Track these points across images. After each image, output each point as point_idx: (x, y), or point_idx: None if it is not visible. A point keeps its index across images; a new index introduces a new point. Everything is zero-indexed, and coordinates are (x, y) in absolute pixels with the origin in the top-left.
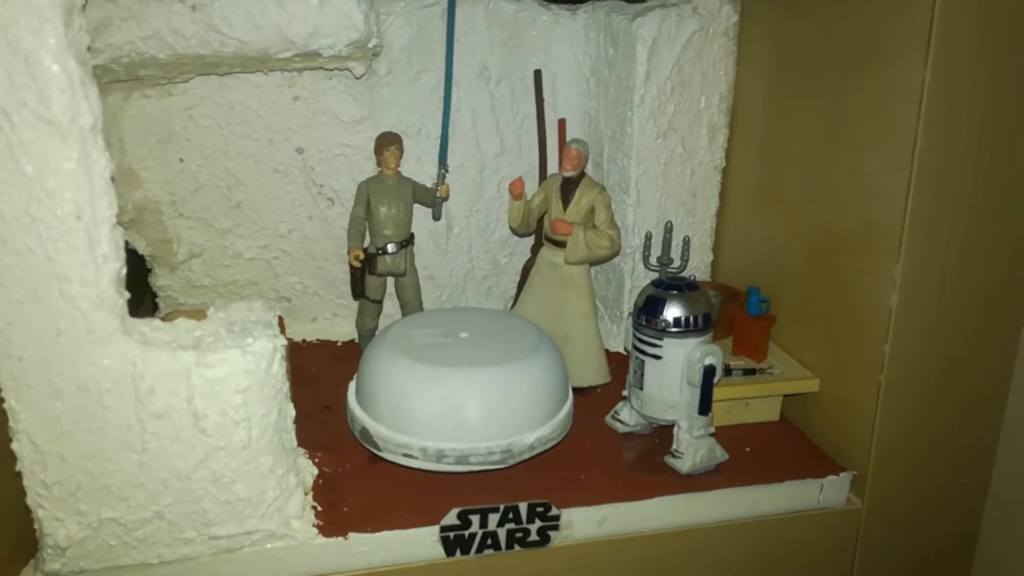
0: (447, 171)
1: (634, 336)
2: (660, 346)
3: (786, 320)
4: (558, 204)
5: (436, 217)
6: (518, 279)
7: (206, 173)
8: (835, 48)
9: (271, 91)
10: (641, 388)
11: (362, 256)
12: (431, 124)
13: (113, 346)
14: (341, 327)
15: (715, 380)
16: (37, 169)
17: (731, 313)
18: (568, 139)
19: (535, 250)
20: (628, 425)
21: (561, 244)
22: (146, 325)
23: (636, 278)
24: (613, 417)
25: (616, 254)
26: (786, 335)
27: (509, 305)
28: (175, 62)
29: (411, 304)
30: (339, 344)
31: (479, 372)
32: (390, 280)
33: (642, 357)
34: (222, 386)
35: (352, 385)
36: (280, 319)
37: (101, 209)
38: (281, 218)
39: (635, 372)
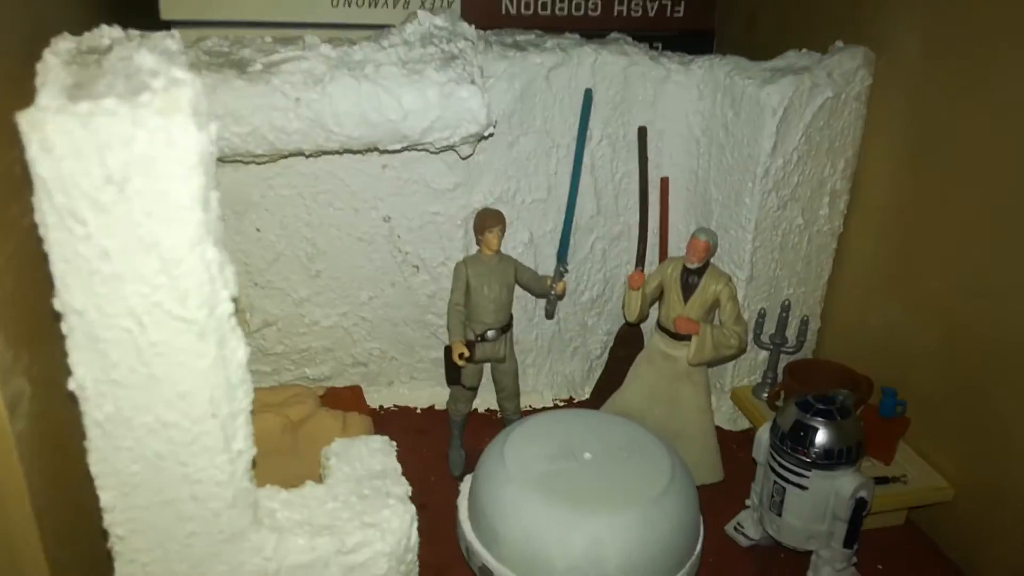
0: (567, 271)
1: (772, 457)
2: (807, 476)
3: (912, 417)
4: (678, 295)
5: (549, 315)
6: (609, 344)
7: (284, 243)
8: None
9: (359, 160)
10: (779, 515)
11: (467, 353)
12: (526, 189)
13: (246, 541)
14: (420, 391)
15: (865, 513)
16: (169, 371)
17: (863, 415)
18: (696, 232)
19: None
20: (752, 539)
21: (680, 337)
22: (273, 500)
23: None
24: (736, 529)
25: (743, 353)
26: (916, 434)
27: (594, 370)
28: (273, 155)
29: (508, 390)
30: (418, 412)
31: (621, 517)
32: (486, 364)
33: (783, 484)
34: (362, 571)
35: (463, 503)
36: (359, 390)
37: (238, 400)
38: (362, 286)
39: (772, 497)
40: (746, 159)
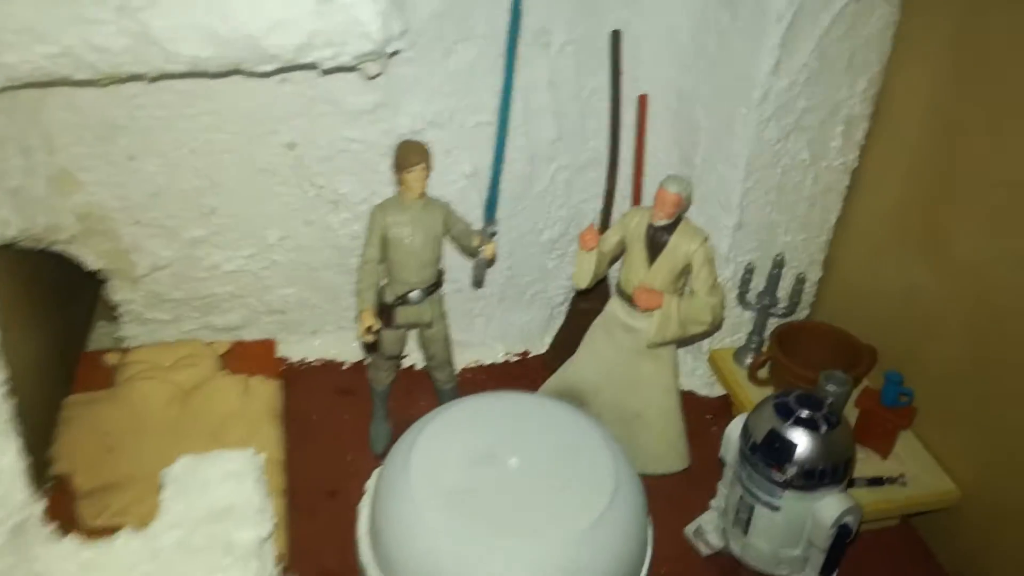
0: (496, 231)
1: (741, 467)
2: (780, 497)
3: (922, 401)
4: (642, 256)
5: (476, 283)
6: (571, 289)
7: (166, 173)
8: None
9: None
10: (745, 533)
11: (376, 326)
12: (467, 110)
13: None
14: (348, 343)
15: (849, 540)
16: None
17: (860, 401)
18: (665, 182)
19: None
20: (714, 548)
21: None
22: (71, 561)
23: (726, 311)
24: (696, 535)
25: (717, 329)
26: (922, 420)
27: (555, 319)
28: (104, 79)
29: (437, 358)
30: (344, 367)
31: (545, 548)
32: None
33: (751, 501)
34: None
35: (363, 511)
36: (270, 345)
37: None
38: (269, 225)
39: (738, 513)
40: (741, 79)
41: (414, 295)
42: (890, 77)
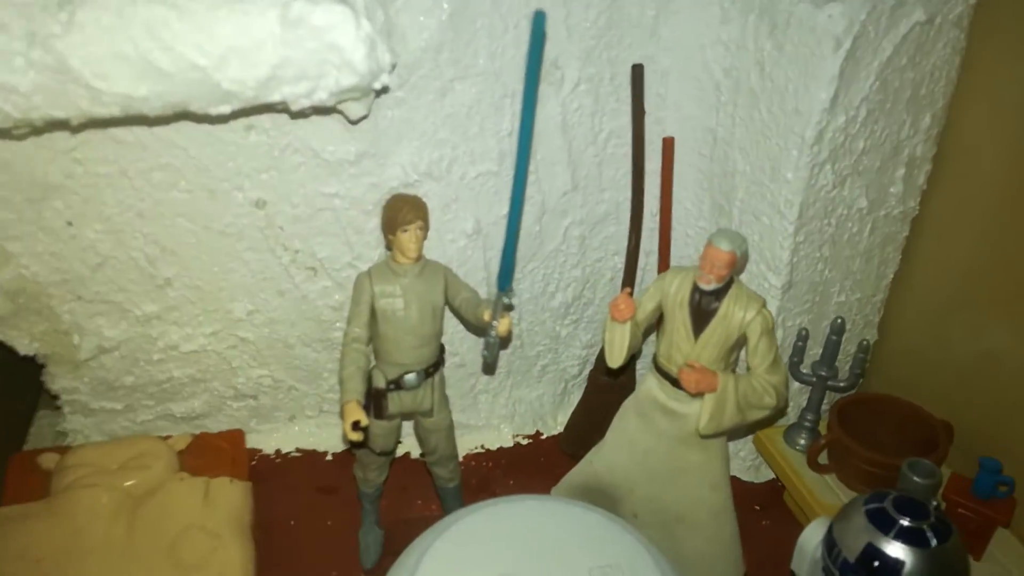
0: (512, 304)
1: None
2: None
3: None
4: (685, 327)
5: (488, 366)
6: (588, 358)
7: (111, 240)
8: None
9: (208, 121)
10: None
11: (364, 422)
12: (467, 158)
13: None
14: (331, 430)
15: None
16: None
17: (948, 492)
18: (714, 238)
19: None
20: None
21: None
22: None
23: None
24: None
25: (781, 415)
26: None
27: (570, 393)
28: (18, 126)
29: (439, 451)
30: (328, 458)
31: None
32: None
33: None
34: None
35: None
36: (238, 436)
37: None
38: (235, 296)
39: None
40: (791, 115)
41: (410, 378)
42: (956, 113)
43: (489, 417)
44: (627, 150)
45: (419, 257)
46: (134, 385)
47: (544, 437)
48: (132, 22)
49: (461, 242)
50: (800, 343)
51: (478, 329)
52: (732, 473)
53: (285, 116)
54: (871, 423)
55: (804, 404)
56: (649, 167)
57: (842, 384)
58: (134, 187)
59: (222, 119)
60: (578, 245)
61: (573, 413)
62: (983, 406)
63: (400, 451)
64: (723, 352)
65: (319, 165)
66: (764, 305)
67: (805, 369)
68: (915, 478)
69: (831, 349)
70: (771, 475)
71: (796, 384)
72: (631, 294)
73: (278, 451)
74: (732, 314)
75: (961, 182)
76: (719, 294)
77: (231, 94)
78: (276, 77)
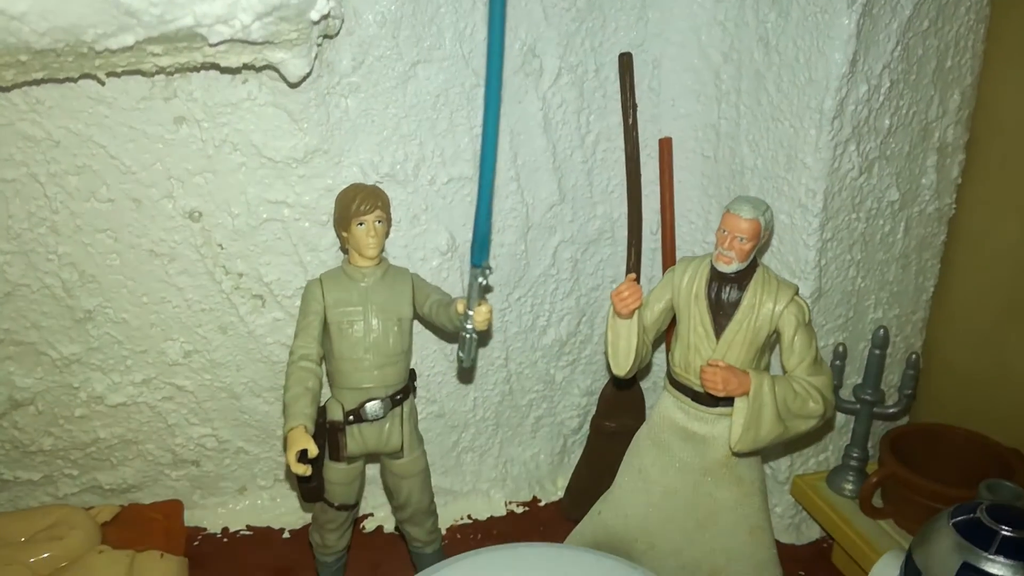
0: (488, 279)
1: None
2: None
3: None
4: (704, 324)
5: (465, 364)
6: (591, 412)
7: (20, 265)
8: None
9: (129, 109)
10: None
11: (313, 451)
12: (435, 158)
13: None
14: (288, 502)
15: None
16: None
17: None
18: (732, 205)
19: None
20: None
21: (710, 399)
22: None
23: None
24: None
25: (828, 425)
26: None
27: (570, 452)
28: None
29: (412, 505)
30: (286, 535)
31: None
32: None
33: None
34: None
35: None
36: (176, 507)
37: None
38: (170, 333)
39: None
40: (804, 88)
41: (373, 407)
42: (986, 92)
43: (476, 481)
44: (619, 155)
45: (380, 259)
46: (54, 449)
47: (543, 504)
48: None
49: (434, 261)
50: (838, 362)
51: (453, 329)
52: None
53: (222, 99)
54: (927, 457)
55: (847, 440)
56: (647, 173)
57: (891, 409)
58: (47, 195)
59: (121, 53)
60: (570, 269)
61: (576, 470)
62: None
63: (372, 524)
64: (752, 353)
65: (262, 165)
66: (798, 292)
67: (846, 395)
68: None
69: (875, 366)
70: (815, 535)
71: (837, 418)
72: (636, 281)
73: (225, 529)
74: (760, 304)
75: (998, 173)
76: (742, 281)
77: (132, 14)
78: None
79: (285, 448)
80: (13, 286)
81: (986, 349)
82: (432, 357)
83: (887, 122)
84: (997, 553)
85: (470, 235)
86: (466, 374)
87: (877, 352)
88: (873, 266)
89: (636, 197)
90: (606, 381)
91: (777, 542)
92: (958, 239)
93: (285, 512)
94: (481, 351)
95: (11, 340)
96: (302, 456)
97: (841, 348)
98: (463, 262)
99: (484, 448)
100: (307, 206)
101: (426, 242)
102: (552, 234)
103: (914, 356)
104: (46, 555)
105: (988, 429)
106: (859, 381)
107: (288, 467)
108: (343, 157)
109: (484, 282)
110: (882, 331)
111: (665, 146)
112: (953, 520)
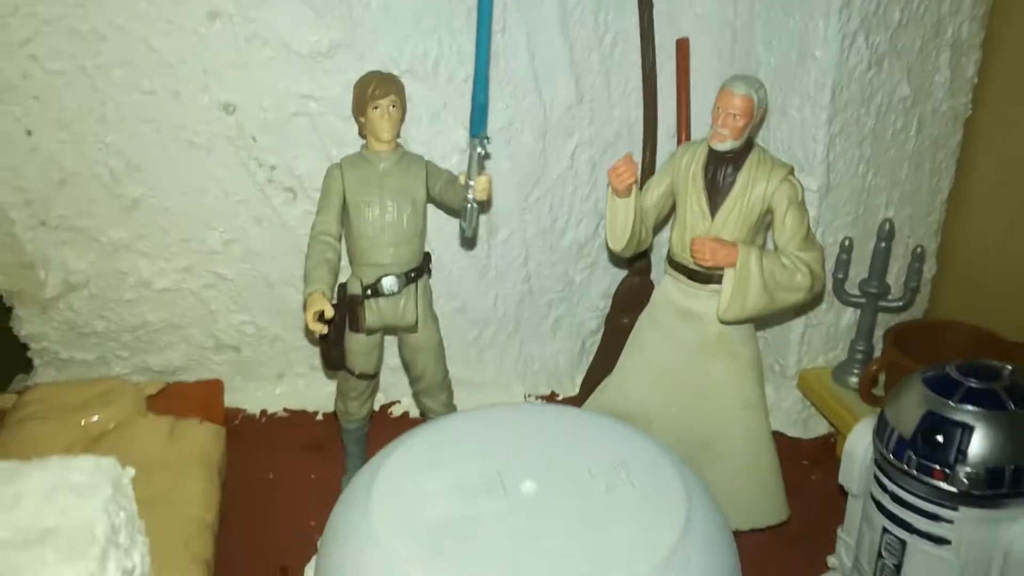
0: (486, 149)
1: (880, 485)
2: (949, 522)
3: None
4: (700, 202)
5: (468, 233)
6: (607, 311)
7: (73, 152)
8: None
9: (166, 4)
10: None
11: (328, 313)
12: (456, 57)
13: None
14: (322, 387)
15: None
16: None
17: None
18: (727, 82)
19: (638, 268)
20: None
21: (704, 277)
22: None
23: (815, 311)
24: None
25: (817, 300)
26: None
27: (589, 353)
28: None
29: (427, 377)
30: (319, 418)
31: None
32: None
33: (902, 535)
34: None
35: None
36: (217, 386)
37: None
38: (210, 223)
39: (880, 558)
40: None
41: (389, 282)
42: None
43: (497, 375)
44: (637, 57)
45: (396, 145)
46: (106, 331)
47: (561, 399)
48: None
49: (454, 157)
50: (844, 256)
51: (459, 204)
52: (777, 428)
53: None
54: (930, 351)
55: (852, 334)
56: (664, 74)
57: (896, 302)
58: (94, 88)
59: None
60: (588, 172)
61: (591, 364)
62: None
63: (398, 410)
64: (746, 231)
65: (290, 59)
66: (792, 172)
67: (851, 288)
68: None
69: (880, 259)
70: (822, 430)
71: (842, 315)
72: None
73: (263, 411)
74: (754, 184)
75: (1016, 73)
76: (737, 161)
77: None
78: None
79: (305, 305)
80: (67, 174)
81: (1001, 250)
82: (453, 253)
83: (897, 15)
84: (961, 402)
85: (488, 133)
86: (469, 241)
87: (883, 245)
88: (884, 163)
89: (652, 98)
90: (622, 277)
91: (784, 436)
92: (975, 141)
93: (319, 397)
94: (501, 250)
95: (65, 226)
96: (319, 317)
97: (848, 242)
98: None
99: (505, 344)
100: (332, 101)
101: (445, 140)
102: (570, 136)
103: (919, 249)
104: (96, 418)
105: (1001, 328)
106: (865, 275)
107: (311, 333)
108: (365, 52)
109: (483, 152)
110: (887, 225)
111: (682, 47)
112: (923, 376)
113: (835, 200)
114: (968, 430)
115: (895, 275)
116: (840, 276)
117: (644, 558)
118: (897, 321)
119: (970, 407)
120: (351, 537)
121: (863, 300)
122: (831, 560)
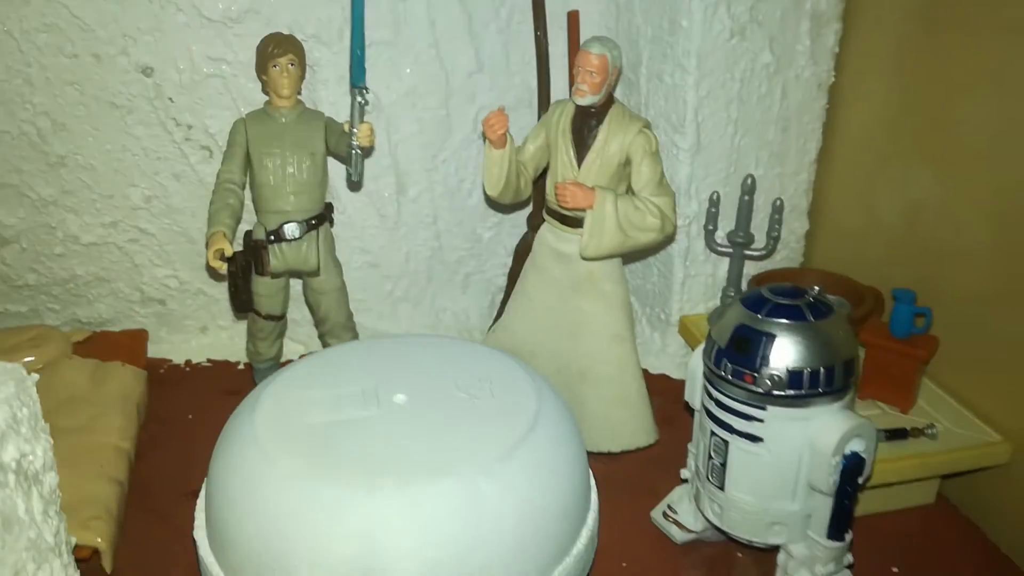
0: (366, 100)
1: (707, 393)
2: (760, 420)
3: (950, 342)
4: (568, 153)
5: (354, 178)
6: (509, 266)
7: (2, 111)
8: None
9: None
10: (721, 488)
11: (227, 252)
12: (369, 27)
13: None
14: (243, 341)
15: (862, 480)
16: None
17: (864, 335)
18: (585, 43)
19: (534, 224)
20: (691, 531)
21: (574, 222)
22: None
23: (693, 263)
24: (667, 516)
25: (669, 239)
26: (946, 365)
27: (497, 306)
28: None
29: (330, 319)
30: (240, 367)
31: (423, 492)
32: (295, 282)
33: (724, 436)
34: None
35: (201, 500)
36: (141, 336)
37: None
38: (132, 179)
39: (710, 459)
40: None
41: (291, 228)
42: None
43: (410, 327)
44: (531, 27)
45: (296, 101)
46: (37, 284)
47: None
48: None
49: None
50: (712, 209)
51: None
52: (662, 371)
53: None
54: None
55: (725, 283)
56: (555, 44)
57: (760, 251)
58: (21, 51)
59: None
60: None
61: (496, 314)
62: (913, 262)
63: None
64: (607, 179)
65: (203, 25)
66: (647, 126)
67: (720, 239)
68: None
69: (745, 211)
70: None
71: (718, 263)
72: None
73: (188, 361)
74: (613, 136)
75: (872, 40)
76: (600, 116)
77: None
78: None
79: (207, 244)
80: None
81: (861, 203)
82: (364, 211)
83: None
84: (768, 316)
85: (392, 99)
86: (355, 185)
87: (746, 199)
88: (752, 125)
89: (544, 66)
90: (523, 233)
91: (669, 377)
92: (839, 105)
93: (242, 348)
94: (411, 208)
95: None
96: (219, 255)
97: (716, 195)
98: (388, 122)
99: (417, 298)
100: (243, 64)
101: (345, 97)
102: (472, 101)
103: (779, 201)
104: (26, 359)
105: (863, 274)
106: (732, 227)
107: (229, 283)
108: (273, 17)
109: (363, 101)
110: (749, 179)
111: (573, 18)
112: (742, 298)
113: (706, 158)
114: (771, 338)
115: (760, 225)
116: (711, 228)
117: (494, 448)
118: (764, 271)
119: (774, 319)
120: (236, 440)
121: (730, 249)
122: (683, 472)
